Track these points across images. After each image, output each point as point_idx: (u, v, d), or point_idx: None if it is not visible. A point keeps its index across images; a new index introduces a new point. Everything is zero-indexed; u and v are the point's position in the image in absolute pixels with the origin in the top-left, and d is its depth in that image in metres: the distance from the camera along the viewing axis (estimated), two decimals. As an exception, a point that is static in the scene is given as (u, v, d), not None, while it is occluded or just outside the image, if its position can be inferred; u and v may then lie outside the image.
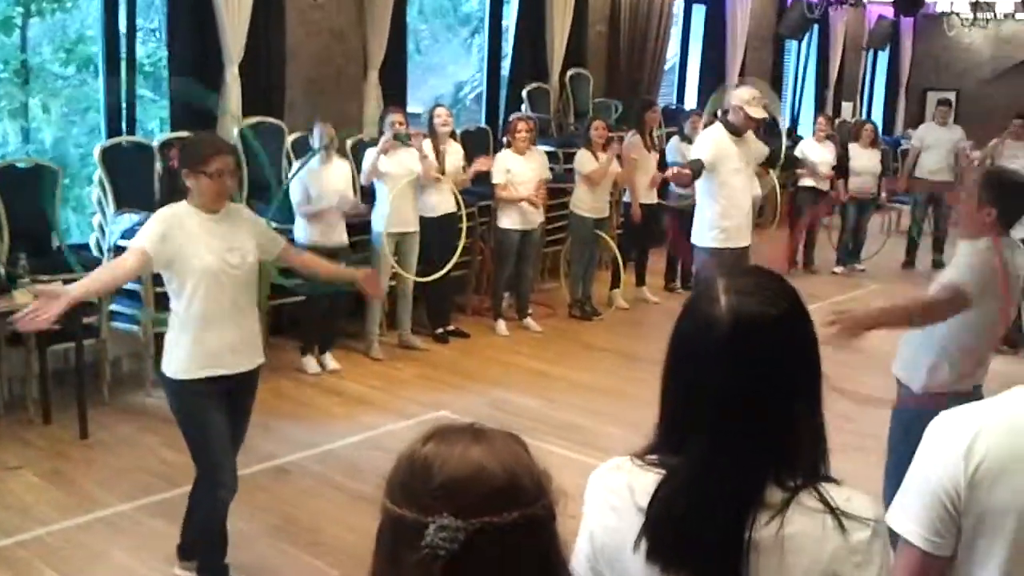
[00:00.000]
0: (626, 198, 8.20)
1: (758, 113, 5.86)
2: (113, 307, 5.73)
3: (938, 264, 10.03)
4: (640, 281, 8.43)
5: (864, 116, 14.55)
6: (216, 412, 3.45)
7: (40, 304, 3.07)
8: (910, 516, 1.57)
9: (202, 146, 3.43)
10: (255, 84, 6.68)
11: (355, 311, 6.74)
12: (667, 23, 10.28)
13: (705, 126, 6.62)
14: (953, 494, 1.52)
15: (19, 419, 5.33)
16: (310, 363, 6.28)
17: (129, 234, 5.29)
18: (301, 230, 6.08)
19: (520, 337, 7.28)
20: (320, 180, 6.02)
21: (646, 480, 1.35)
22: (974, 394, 3.41)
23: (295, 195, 6.03)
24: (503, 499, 1.05)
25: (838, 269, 9.97)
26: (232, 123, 6.26)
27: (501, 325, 7.31)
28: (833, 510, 1.28)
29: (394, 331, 6.91)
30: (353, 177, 6.39)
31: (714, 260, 5.94)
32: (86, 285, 3.35)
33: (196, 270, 3.32)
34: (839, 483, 1.34)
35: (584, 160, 7.53)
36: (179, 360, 3.42)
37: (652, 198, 8.20)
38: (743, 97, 5.85)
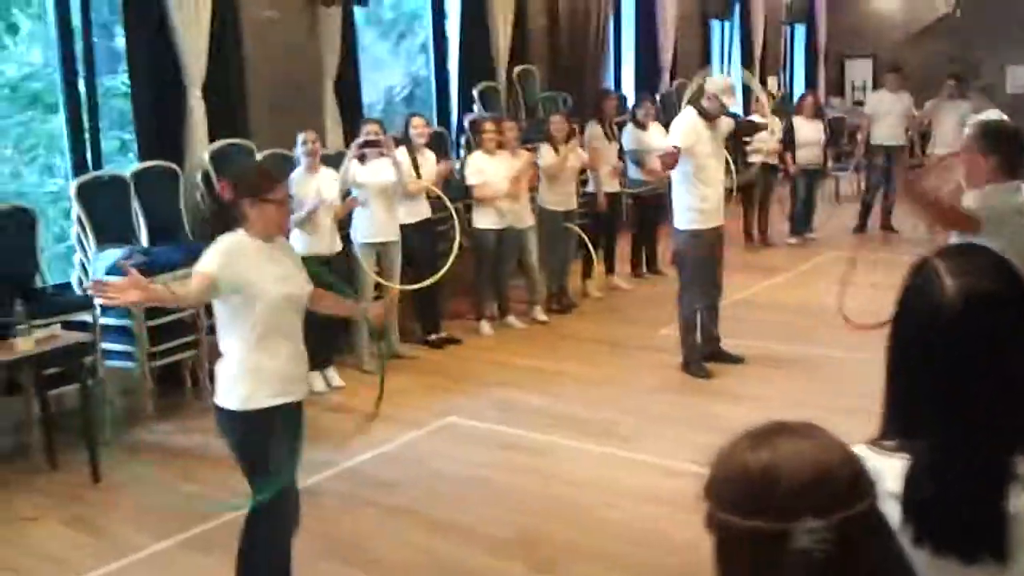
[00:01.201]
0: (589, 188, 8.29)
1: (732, 102, 6.23)
2: (105, 345, 5.61)
3: (887, 227, 10.35)
4: (610, 269, 8.52)
5: (787, 88, 14.93)
6: (278, 443, 3.40)
7: (124, 285, 3.13)
8: None
9: (264, 175, 3.40)
10: (218, 105, 6.58)
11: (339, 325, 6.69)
12: (605, 11, 10.38)
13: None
14: None
15: (24, 468, 5.17)
16: (316, 381, 6.20)
17: (115, 270, 5.14)
18: (294, 241, 6.03)
19: (505, 336, 7.30)
20: (305, 187, 6.02)
21: (891, 465, 1.38)
22: None
23: None
24: (852, 491, 1.08)
25: (792, 240, 10.20)
26: None
27: (485, 326, 7.32)
28: None
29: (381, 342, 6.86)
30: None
31: (695, 240, 6.14)
32: (161, 292, 3.54)
33: (264, 296, 3.28)
34: None
35: (545, 155, 7.58)
36: (244, 391, 3.34)
37: (615, 186, 8.32)
38: (719, 86, 6.13)
